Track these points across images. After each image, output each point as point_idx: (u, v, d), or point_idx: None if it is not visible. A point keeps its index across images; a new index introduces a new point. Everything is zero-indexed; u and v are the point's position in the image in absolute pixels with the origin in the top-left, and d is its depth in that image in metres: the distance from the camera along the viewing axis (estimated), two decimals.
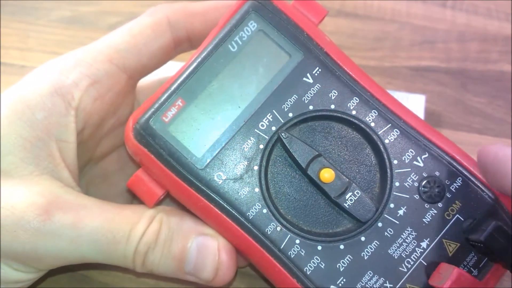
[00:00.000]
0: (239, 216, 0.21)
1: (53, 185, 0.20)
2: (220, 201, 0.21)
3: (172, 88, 0.22)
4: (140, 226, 0.21)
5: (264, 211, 0.21)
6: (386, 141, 0.23)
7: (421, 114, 0.32)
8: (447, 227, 0.22)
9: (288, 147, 0.22)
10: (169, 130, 0.22)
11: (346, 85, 0.24)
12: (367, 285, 0.21)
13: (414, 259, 0.22)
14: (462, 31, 0.40)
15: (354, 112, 0.23)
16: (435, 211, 0.22)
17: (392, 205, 0.22)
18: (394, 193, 0.22)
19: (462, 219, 0.22)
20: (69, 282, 0.26)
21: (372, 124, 0.23)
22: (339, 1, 0.44)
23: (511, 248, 0.20)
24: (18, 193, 0.20)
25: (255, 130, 0.22)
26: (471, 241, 0.21)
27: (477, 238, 0.20)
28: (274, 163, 0.23)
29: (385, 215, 0.22)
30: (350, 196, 0.22)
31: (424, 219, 0.22)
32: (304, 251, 0.21)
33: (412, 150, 0.22)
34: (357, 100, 0.23)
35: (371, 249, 0.21)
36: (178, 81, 0.22)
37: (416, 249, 0.22)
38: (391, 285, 0.21)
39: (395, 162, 0.22)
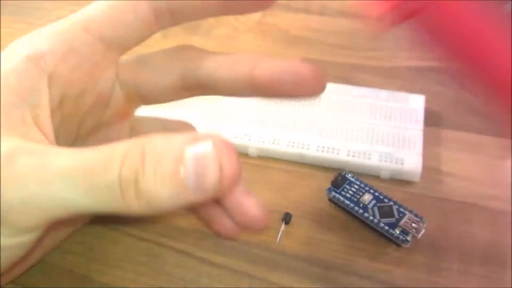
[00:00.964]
0: None
1: (20, 141, 0.19)
2: None
3: None
4: (117, 152, 0.18)
5: None
6: None
7: (421, 114, 0.32)
8: None
9: None
10: None
11: None
12: None
13: None
14: None
15: None
16: None
17: None
18: None
19: None
20: (69, 282, 0.26)
21: None
22: (339, 1, 0.44)
23: None
24: None
25: None
26: None
27: None
28: None
29: None
30: None
31: None
32: None
33: None
34: None
35: None
36: None
37: None
38: None
39: None
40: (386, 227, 0.26)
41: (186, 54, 0.24)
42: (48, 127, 0.21)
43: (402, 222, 0.26)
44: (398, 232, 0.26)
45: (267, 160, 0.32)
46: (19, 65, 0.21)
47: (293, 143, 0.31)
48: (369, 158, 0.30)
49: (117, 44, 0.23)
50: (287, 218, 0.28)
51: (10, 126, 0.19)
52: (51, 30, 0.22)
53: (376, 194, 0.28)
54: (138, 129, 0.27)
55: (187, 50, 0.24)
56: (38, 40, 0.22)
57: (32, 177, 0.18)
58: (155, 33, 0.24)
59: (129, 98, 0.25)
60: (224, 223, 0.23)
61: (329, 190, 0.28)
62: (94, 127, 0.25)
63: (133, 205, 0.18)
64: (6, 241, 0.19)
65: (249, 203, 0.21)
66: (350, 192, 0.28)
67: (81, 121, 0.24)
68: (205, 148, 0.18)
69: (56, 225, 0.21)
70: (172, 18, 0.23)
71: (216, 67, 0.23)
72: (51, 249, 0.27)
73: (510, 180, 0.30)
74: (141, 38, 0.24)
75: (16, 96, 0.20)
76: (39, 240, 0.21)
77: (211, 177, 0.18)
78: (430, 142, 0.32)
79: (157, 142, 0.18)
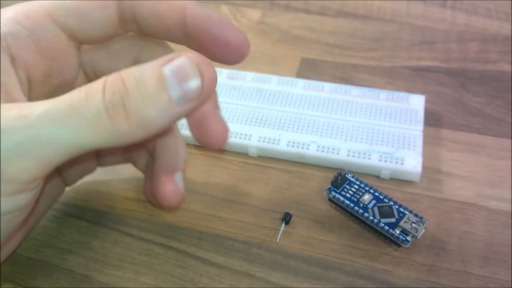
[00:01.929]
0: None
1: None
2: None
3: None
4: (95, 84, 0.18)
5: None
6: None
7: (421, 114, 0.32)
8: None
9: None
10: None
11: None
12: None
13: None
14: (462, 31, 0.40)
15: None
16: None
17: None
18: None
19: None
20: (69, 282, 0.26)
21: None
22: (339, 1, 0.44)
23: None
24: None
25: None
26: None
27: None
28: None
29: None
30: None
31: None
32: None
33: None
34: None
35: None
36: None
37: None
38: None
39: None
40: (386, 227, 0.26)
41: None
42: (21, 100, 0.21)
43: (402, 222, 0.26)
44: (398, 232, 0.26)
45: (267, 160, 0.32)
46: None
47: (293, 143, 0.31)
48: (369, 158, 0.30)
49: (80, 35, 0.23)
50: (287, 218, 0.28)
51: None
52: (15, 12, 0.22)
53: (376, 194, 0.28)
54: None
55: None
56: (2, 21, 0.21)
57: (16, 129, 0.18)
58: (121, 35, 0.24)
59: (90, 79, 0.26)
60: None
61: (329, 190, 0.28)
62: None
63: (123, 129, 0.18)
64: (7, 201, 0.19)
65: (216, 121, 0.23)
66: (350, 192, 0.28)
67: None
68: (181, 61, 0.19)
69: (51, 175, 0.21)
70: (138, 27, 0.23)
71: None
72: (44, 213, 0.27)
73: (510, 180, 0.30)
74: (105, 37, 0.24)
75: None
76: (37, 199, 0.21)
77: (194, 83, 0.19)
78: (430, 142, 0.32)
79: (132, 70, 0.19)
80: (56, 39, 0.22)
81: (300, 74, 0.38)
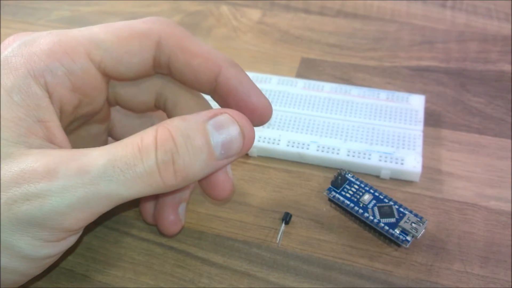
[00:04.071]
0: None
1: (46, 152, 0.20)
2: None
3: None
4: (146, 141, 0.20)
5: None
6: None
7: (421, 114, 0.32)
8: None
9: None
10: None
11: None
12: None
13: None
14: (462, 31, 0.41)
15: None
16: None
17: None
18: None
19: None
20: (69, 282, 0.26)
21: None
22: (339, 1, 0.44)
23: None
24: (13, 168, 0.19)
25: None
26: None
27: None
28: None
29: None
30: None
31: None
32: None
33: None
34: None
35: None
36: None
37: None
38: None
39: None
40: (386, 227, 0.26)
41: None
42: (61, 137, 0.22)
43: (402, 222, 0.26)
44: (398, 232, 0.26)
45: (267, 160, 0.32)
46: (21, 80, 0.21)
47: (293, 143, 0.31)
48: (369, 158, 0.30)
49: (114, 75, 0.23)
50: (287, 218, 0.28)
51: (24, 140, 0.20)
52: (52, 45, 0.22)
53: (376, 194, 0.28)
54: (114, 123, 0.28)
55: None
56: (37, 53, 0.21)
57: (76, 186, 0.19)
58: (151, 75, 0.24)
59: (111, 104, 0.26)
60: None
61: (329, 190, 0.28)
62: (78, 127, 0.26)
63: (170, 181, 0.20)
64: (58, 246, 0.20)
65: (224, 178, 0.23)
66: (350, 192, 0.28)
67: (70, 123, 0.25)
68: (224, 118, 0.21)
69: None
70: (170, 72, 0.24)
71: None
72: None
73: (510, 180, 0.30)
74: (137, 77, 0.24)
75: (24, 112, 0.20)
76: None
77: (237, 143, 0.21)
78: (430, 142, 0.32)
79: (179, 125, 0.20)
80: (91, 77, 0.22)
81: (300, 74, 0.38)
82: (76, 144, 0.26)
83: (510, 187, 0.29)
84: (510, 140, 0.32)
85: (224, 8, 0.45)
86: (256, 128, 0.32)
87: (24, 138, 0.20)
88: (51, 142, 0.21)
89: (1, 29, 0.43)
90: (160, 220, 0.26)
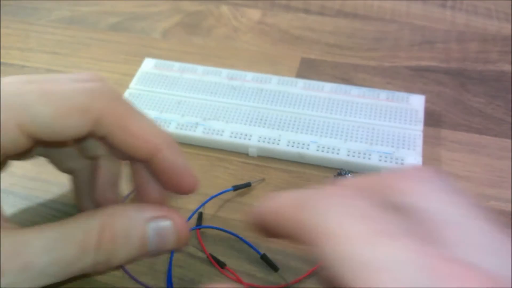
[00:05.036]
0: None
1: None
2: None
3: None
4: (91, 239, 0.20)
5: None
6: None
7: (421, 114, 0.32)
8: None
9: None
10: None
11: None
12: None
13: None
14: (462, 31, 0.41)
15: None
16: None
17: None
18: None
19: None
20: (69, 282, 0.26)
21: None
22: (339, 1, 0.44)
23: None
24: None
25: None
26: None
27: None
28: None
29: None
30: None
31: None
32: None
33: None
34: None
35: None
36: None
37: None
38: None
39: None
40: None
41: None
42: None
43: None
44: None
45: (267, 160, 0.32)
46: None
47: (293, 143, 0.31)
48: (369, 158, 0.30)
49: (45, 143, 0.22)
50: None
51: None
52: None
53: None
54: None
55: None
56: None
57: (22, 280, 0.20)
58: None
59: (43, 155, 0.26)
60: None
61: None
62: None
63: (99, 270, 0.21)
64: None
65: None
66: None
67: None
68: (166, 226, 0.22)
69: None
70: (104, 143, 0.23)
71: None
72: None
73: (510, 180, 0.30)
74: (70, 143, 0.24)
75: None
76: None
77: (170, 245, 0.22)
78: (430, 142, 0.32)
79: (122, 225, 0.21)
80: (20, 145, 0.21)
81: (300, 74, 0.38)
82: None
83: (510, 187, 0.29)
84: (510, 140, 0.32)
85: (224, 8, 0.45)
86: (256, 128, 0.32)
87: None
88: None
89: (1, 29, 0.43)
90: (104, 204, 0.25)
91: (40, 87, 0.21)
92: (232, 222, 0.28)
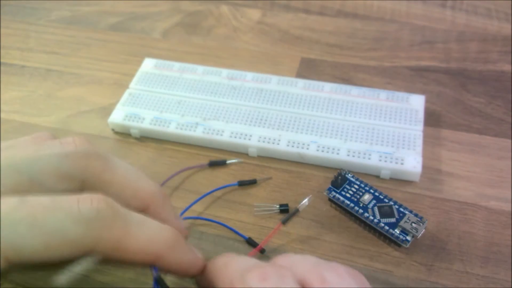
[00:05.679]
0: None
1: None
2: None
3: None
4: None
5: None
6: None
7: (421, 114, 0.32)
8: None
9: None
10: None
11: None
12: None
13: None
14: (462, 31, 0.40)
15: None
16: None
17: None
18: None
19: None
20: (68, 282, 0.26)
21: None
22: (339, 1, 0.44)
23: None
24: None
25: None
26: None
27: None
28: None
29: None
30: None
31: None
32: None
33: None
34: None
35: None
36: None
37: None
38: None
39: None
40: (386, 227, 0.26)
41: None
42: None
43: (402, 222, 0.26)
44: (398, 232, 0.26)
45: (267, 160, 0.32)
46: None
47: (293, 143, 0.31)
48: (369, 158, 0.30)
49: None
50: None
51: None
52: None
53: (376, 194, 0.28)
54: None
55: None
56: None
57: None
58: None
59: None
60: None
61: (329, 190, 0.28)
62: None
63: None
64: None
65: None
66: (350, 192, 0.28)
67: None
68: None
69: None
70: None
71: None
72: None
73: (510, 180, 0.30)
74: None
75: None
76: None
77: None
78: (430, 142, 0.32)
79: None
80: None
81: (300, 74, 0.38)
82: None
83: (510, 187, 0.29)
84: (510, 140, 0.32)
85: (224, 8, 0.45)
86: (256, 128, 0.32)
87: None
88: None
89: (1, 29, 0.43)
90: None
91: (31, 213, 0.18)
92: (231, 221, 0.28)
